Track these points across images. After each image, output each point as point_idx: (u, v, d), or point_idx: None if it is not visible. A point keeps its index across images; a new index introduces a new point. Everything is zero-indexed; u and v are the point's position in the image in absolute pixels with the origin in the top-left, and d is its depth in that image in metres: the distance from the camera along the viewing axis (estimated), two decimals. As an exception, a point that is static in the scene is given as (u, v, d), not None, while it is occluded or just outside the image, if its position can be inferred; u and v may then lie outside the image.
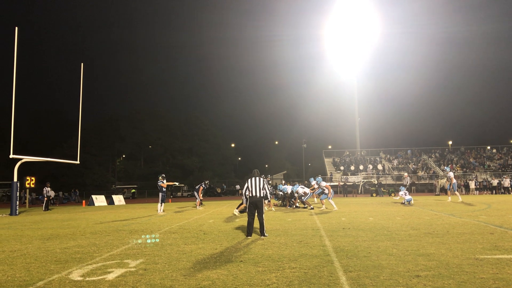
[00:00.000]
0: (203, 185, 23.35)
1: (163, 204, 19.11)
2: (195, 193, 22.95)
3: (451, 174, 22.29)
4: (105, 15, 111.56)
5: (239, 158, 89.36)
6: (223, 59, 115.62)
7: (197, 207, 22.15)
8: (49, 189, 26.16)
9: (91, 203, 30.98)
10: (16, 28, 20.61)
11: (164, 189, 19.14)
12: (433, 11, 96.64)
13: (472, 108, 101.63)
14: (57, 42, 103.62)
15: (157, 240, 8.97)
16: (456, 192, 22.25)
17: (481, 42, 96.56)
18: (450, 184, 21.86)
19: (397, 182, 41.36)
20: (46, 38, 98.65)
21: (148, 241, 8.68)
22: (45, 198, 25.66)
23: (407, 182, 25.50)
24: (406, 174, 28.01)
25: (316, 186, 19.78)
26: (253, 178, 9.77)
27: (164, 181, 19.18)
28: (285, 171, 65.02)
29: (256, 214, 9.66)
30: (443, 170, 25.16)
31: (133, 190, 54.00)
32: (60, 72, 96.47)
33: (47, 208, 25.18)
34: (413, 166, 48.49)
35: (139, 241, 8.93)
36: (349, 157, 53.36)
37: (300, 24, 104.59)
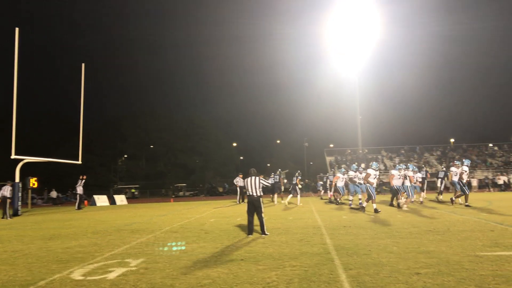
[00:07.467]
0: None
1: (275, 195, 22.68)
2: (297, 188, 20.85)
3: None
4: (104, 15, 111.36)
5: (241, 158, 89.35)
6: (223, 58, 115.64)
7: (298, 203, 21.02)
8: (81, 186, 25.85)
9: (93, 203, 31.03)
10: (17, 29, 20.67)
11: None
12: (433, 9, 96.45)
13: (474, 105, 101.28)
14: (57, 42, 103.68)
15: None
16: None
17: (482, 40, 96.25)
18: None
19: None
20: (46, 38, 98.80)
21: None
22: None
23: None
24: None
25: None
26: (250, 178, 9.81)
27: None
28: (287, 170, 64.97)
29: (255, 213, 9.69)
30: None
31: (133, 190, 54.04)
32: (62, 72, 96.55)
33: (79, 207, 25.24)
34: (415, 164, 48.48)
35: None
36: (351, 155, 53.31)
37: (300, 21, 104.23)
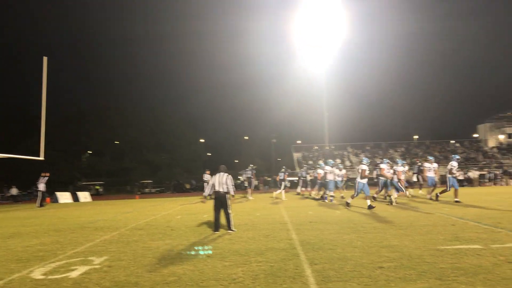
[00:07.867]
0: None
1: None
2: (283, 183, 22.07)
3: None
4: (66, 8, 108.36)
5: (209, 154, 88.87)
6: (190, 54, 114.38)
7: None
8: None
9: (56, 200, 30.23)
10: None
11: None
12: (397, 8, 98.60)
13: (437, 103, 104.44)
14: (18, 36, 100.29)
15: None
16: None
17: (443, 39, 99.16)
18: None
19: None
20: (5, 32, 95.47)
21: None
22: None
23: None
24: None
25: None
26: (218, 174, 9.80)
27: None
28: (256, 166, 64.91)
29: (222, 209, 9.67)
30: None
31: (97, 187, 52.98)
32: (23, 66, 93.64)
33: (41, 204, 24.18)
34: (379, 160, 49.48)
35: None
36: (318, 151, 53.87)
37: (268, 18, 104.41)
